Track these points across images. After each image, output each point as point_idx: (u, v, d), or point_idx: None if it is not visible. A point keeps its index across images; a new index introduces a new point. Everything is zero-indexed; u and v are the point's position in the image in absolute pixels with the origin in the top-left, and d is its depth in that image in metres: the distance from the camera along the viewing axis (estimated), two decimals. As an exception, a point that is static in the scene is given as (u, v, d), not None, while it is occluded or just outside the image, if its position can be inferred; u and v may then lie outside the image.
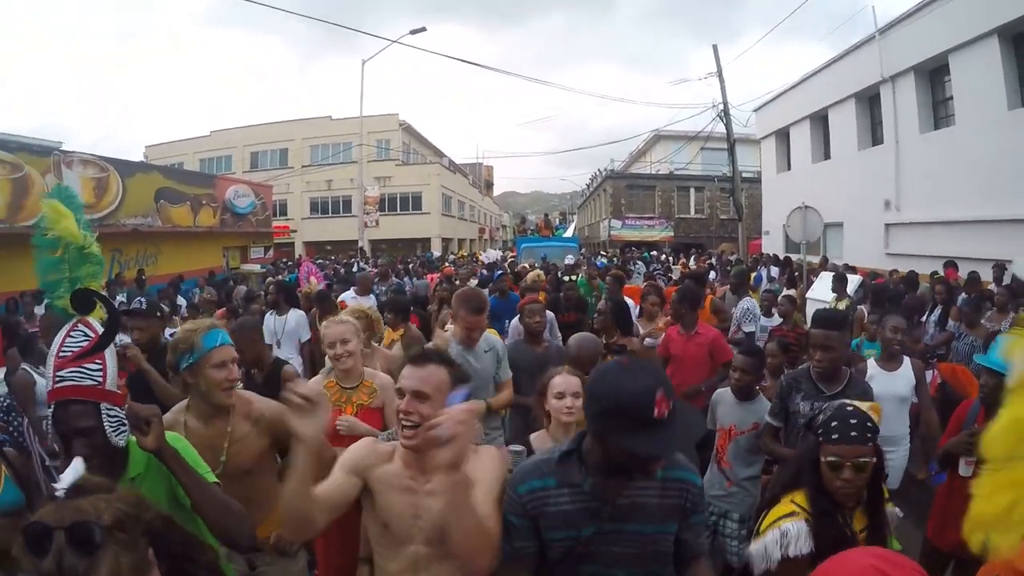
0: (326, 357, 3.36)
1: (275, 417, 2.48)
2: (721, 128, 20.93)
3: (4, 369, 5.86)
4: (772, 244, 20.24)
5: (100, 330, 2.03)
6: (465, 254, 25.55)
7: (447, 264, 17.58)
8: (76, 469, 1.26)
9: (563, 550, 1.78)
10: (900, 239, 14.15)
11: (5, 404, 5.36)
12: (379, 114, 34.64)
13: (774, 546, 2.00)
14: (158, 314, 4.34)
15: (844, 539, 1.97)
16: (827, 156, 17.73)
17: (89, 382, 1.93)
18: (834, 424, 2.04)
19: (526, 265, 14.88)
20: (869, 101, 15.73)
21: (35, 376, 4.51)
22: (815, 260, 13.42)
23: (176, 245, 18.81)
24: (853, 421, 2.01)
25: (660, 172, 31.87)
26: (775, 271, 13.10)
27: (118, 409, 1.95)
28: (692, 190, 31.24)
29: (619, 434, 1.61)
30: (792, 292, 9.16)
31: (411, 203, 35.70)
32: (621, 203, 32.21)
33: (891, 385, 3.84)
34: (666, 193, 31.41)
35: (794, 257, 14.58)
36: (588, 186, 41.90)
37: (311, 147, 36.22)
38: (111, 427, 1.93)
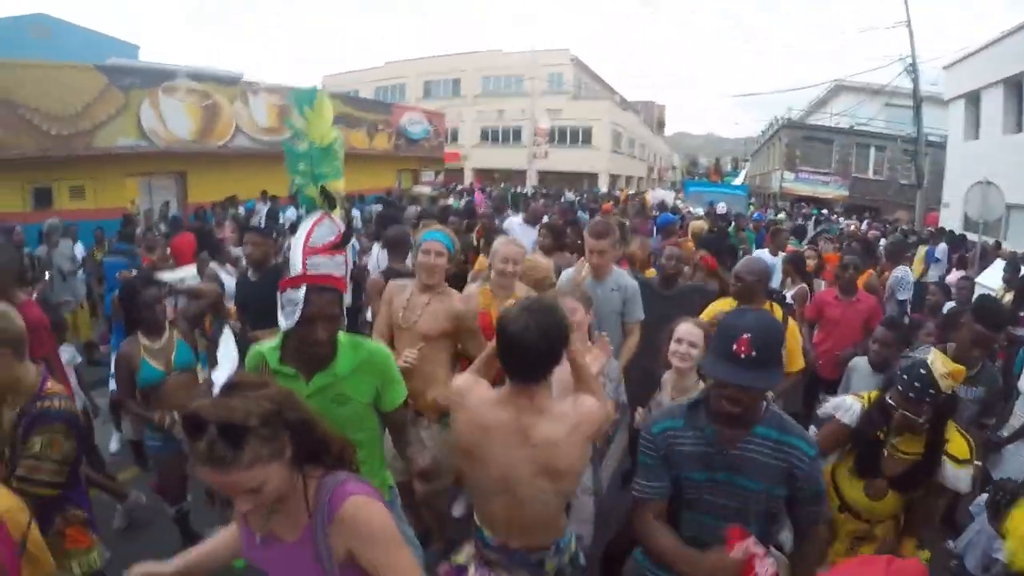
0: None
1: (461, 314, 3.28)
2: (908, 84, 19.17)
3: (195, 268, 7.34)
4: (951, 218, 18.26)
5: (343, 227, 2.21)
6: (630, 192, 25.12)
7: (608, 202, 17.26)
8: (231, 364, 1.67)
9: (683, 490, 1.95)
10: (1087, 233, 12.40)
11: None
12: (550, 48, 34.75)
13: (830, 407, 2.65)
14: (273, 234, 4.92)
15: (875, 440, 2.51)
16: (1020, 128, 15.59)
17: (340, 273, 2.13)
18: (905, 377, 2.39)
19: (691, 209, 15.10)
20: (1072, 71, 13.48)
21: (222, 275, 5.27)
22: (991, 242, 12.27)
23: (353, 166, 20.61)
24: (917, 384, 2.34)
25: (839, 126, 29.32)
26: (943, 250, 12.02)
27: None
28: (872, 148, 28.31)
29: (708, 359, 1.85)
30: (962, 273, 8.57)
31: (581, 137, 35.63)
32: (796, 155, 30.03)
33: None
34: (844, 149, 28.83)
35: (971, 236, 13.46)
36: (763, 133, 39.50)
37: (483, 78, 36.96)
38: (344, 318, 2.15)
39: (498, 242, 3.92)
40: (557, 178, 33.32)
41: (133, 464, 4.45)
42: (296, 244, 2.12)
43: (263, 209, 13.83)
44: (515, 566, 2.08)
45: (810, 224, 15.76)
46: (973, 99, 18.24)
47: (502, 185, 27.05)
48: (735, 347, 1.79)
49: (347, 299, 2.16)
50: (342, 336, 2.19)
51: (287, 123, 2.33)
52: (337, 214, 2.21)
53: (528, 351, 1.87)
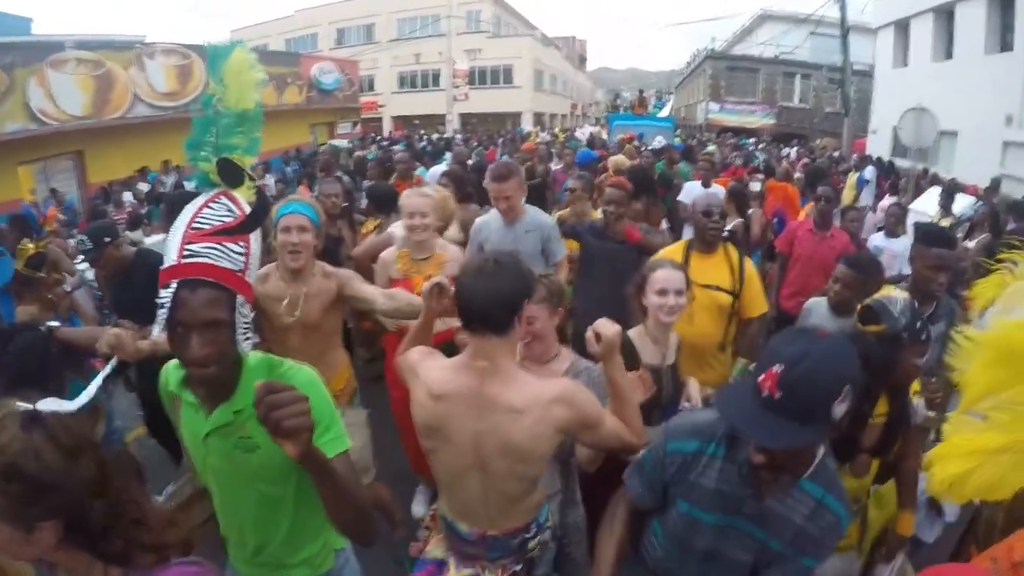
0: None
1: (340, 279, 2.87)
2: (835, 12, 18.94)
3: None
4: (878, 145, 18.52)
5: (247, 209, 1.60)
6: (538, 132, 24.08)
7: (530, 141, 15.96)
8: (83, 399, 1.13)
9: (685, 525, 1.61)
10: (1018, 160, 12.51)
11: (98, 295, 5.99)
12: (468, -16, 33.17)
13: None
14: (106, 239, 3.54)
15: (862, 413, 2.27)
16: (949, 56, 15.59)
17: (228, 264, 1.49)
18: (918, 323, 2.20)
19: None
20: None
21: None
22: (919, 168, 12.29)
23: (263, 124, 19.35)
24: (920, 320, 2.23)
25: (765, 55, 29.24)
26: (871, 171, 11.91)
27: (249, 309, 1.54)
28: (798, 77, 28.55)
29: (726, 390, 1.45)
30: (894, 199, 8.53)
31: (502, 77, 34.91)
32: (721, 85, 30.14)
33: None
34: (770, 78, 28.97)
35: (899, 163, 13.49)
36: (688, 65, 39.23)
37: (398, 20, 35.32)
38: (241, 330, 1.51)
39: (403, 196, 3.40)
40: (480, 120, 32.34)
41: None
42: (176, 228, 1.52)
43: (168, 180, 12.74)
44: (497, 555, 1.92)
45: (758, 152, 15.37)
46: (902, 26, 18.18)
47: (421, 133, 25.64)
48: (760, 379, 1.34)
49: (243, 305, 1.50)
50: (252, 356, 1.60)
51: (204, 95, 1.66)
52: (245, 193, 1.63)
53: (485, 291, 1.66)
